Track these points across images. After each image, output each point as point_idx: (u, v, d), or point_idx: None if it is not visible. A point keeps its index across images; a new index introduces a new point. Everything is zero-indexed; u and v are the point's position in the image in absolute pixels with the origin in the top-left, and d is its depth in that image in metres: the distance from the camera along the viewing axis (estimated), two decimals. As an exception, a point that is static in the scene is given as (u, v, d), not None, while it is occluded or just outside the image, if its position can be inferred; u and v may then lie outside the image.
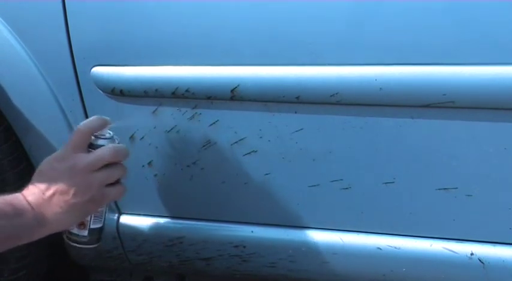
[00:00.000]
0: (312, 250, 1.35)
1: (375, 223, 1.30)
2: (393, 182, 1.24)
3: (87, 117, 1.36)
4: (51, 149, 1.41)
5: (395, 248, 1.30)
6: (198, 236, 1.42)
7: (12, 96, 1.37)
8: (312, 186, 1.29)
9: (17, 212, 1.10)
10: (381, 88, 1.16)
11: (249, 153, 1.30)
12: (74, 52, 1.31)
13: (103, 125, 1.19)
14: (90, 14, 1.28)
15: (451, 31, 1.11)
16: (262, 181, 1.32)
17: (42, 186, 1.13)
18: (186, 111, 1.30)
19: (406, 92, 1.16)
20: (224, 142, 1.30)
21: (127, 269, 1.61)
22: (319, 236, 1.34)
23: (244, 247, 1.40)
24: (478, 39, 1.10)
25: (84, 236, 1.22)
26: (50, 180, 1.12)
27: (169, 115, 1.31)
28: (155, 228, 1.44)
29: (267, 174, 1.31)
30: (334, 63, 1.18)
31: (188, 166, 1.35)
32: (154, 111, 1.32)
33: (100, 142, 1.18)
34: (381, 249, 1.31)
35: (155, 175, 1.38)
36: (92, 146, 1.18)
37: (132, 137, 1.35)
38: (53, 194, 1.12)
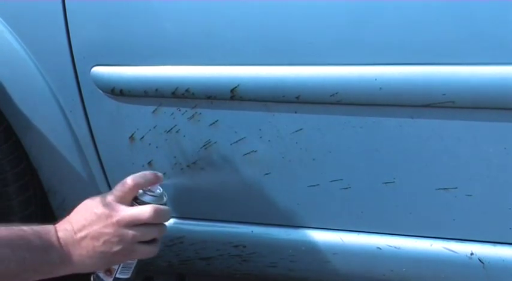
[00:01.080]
0: (312, 250, 1.35)
1: (375, 222, 1.30)
2: (393, 182, 1.24)
3: (87, 117, 1.36)
4: (51, 149, 1.41)
5: (395, 248, 1.30)
6: (198, 236, 1.42)
7: (12, 96, 1.37)
8: (312, 186, 1.29)
9: (44, 247, 1.10)
10: (380, 88, 1.16)
11: (249, 153, 1.30)
12: (73, 52, 1.31)
13: (154, 181, 1.18)
14: (90, 13, 1.28)
15: (451, 31, 1.11)
16: (262, 181, 1.32)
17: (76, 225, 1.13)
18: (186, 111, 1.29)
19: (406, 92, 1.15)
20: (224, 141, 1.30)
21: (127, 269, 1.61)
22: (319, 236, 1.34)
23: (244, 246, 1.40)
24: (478, 38, 1.10)
25: None
26: (85, 222, 1.13)
27: (169, 115, 1.31)
28: (155, 228, 1.44)
29: (267, 174, 1.31)
30: (334, 63, 1.18)
31: (188, 166, 1.35)
32: (154, 111, 1.32)
33: (146, 198, 1.17)
34: (380, 249, 1.30)
35: (155, 175, 1.38)
36: (136, 200, 1.17)
37: (132, 137, 1.35)
38: (84, 237, 1.12)
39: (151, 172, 1.20)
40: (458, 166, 1.19)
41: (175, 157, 1.35)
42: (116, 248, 1.13)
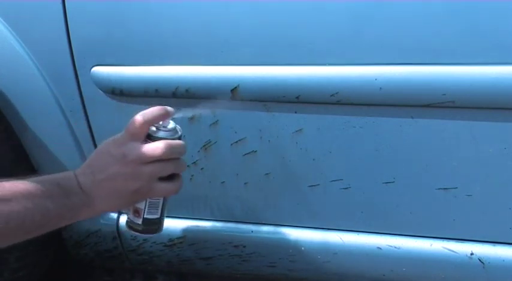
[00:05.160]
0: (312, 250, 1.35)
1: (375, 223, 1.30)
2: (393, 182, 1.24)
3: (87, 117, 1.36)
4: (51, 149, 1.41)
5: (396, 248, 1.30)
6: (198, 236, 1.42)
7: (12, 96, 1.37)
8: (312, 186, 1.29)
9: (64, 193, 1.10)
10: (381, 88, 1.16)
11: (249, 153, 1.30)
12: (73, 52, 1.31)
13: (164, 116, 1.14)
14: (90, 13, 1.28)
15: (451, 31, 1.11)
16: (262, 181, 1.32)
17: (94, 168, 1.13)
18: (186, 111, 1.29)
19: (406, 92, 1.16)
20: (224, 141, 1.30)
21: (127, 269, 1.61)
22: (319, 236, 1.34)
23: (244, 246, 1.40)
24: (478, 39, 1.10)
25: (138, 225, 1.18)
26: (102, 163, 1.13)
27: (169, 115, 1.31)
28: (155, 228, 1.44)
29: (267, 174, 1.31)
30: (334, 63, 1.18)
31: (188, 166, 1.34)
32: (154, 112, 1.32)
33: (159, 133, 1.14)
34: (381, 249, 1.31)
35: (155, 175, 1.38)
36: (150, 137, 1.13)
37: (132, 137, 1.35)
38: (103, 179, 1.12)
39: (161, 106, 1.15)
40: (458, 166, 1.19)
41: (175, 157, 1.35)
42: (134, 186, 1.12)
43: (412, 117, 1.18)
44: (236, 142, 1.29)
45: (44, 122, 1.39)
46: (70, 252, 1.55)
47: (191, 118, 1.30)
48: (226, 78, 1.24)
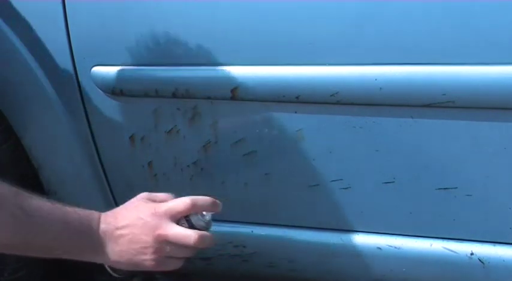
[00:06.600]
0: (312, 250, 1.35)
1: (375, 223, 1.30)
2: (393, 182, 1.24)
3: (87, 117, 1.36)
4: (51, 149, 1.41)
5: (396, 248, 1.30)
6: (198, 236, 1.42)
7: (12, 96, 1.37)
8: (312, 186, 1.29)
9: (79, 231, 1.10)
10: (381, 88, 1.16)
11: (249, 153, 1.30)
12: (73, 52, 1.31)
13: (213, 208, 1.14)
14: (90, 14, 1.28)
15: (451, 31, 1.11)
16: (262, 181, 1.32)
17: (120, 222, 1.12)
18: (186, 111, 1.30)
19: (406, 92, 1.16)
20: (224, 141, 1.30)
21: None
22: (319, 236, 1.34)
23: (244, 247, 1.40)
24: (478, 39, 1.10)
25: None
26: (129, 222, 1.11)
27: (169, 115, 1.31)
28: (155, 228, 1.44)
29: (267, 174, 1.31)
30: (334, 63, 1.18)
31: (188, 166, 1.35)
32: (154, 111, 1.32)
33: (196, 222, 1.12)
34: (381, 249, 1.30)
35: (155, 175, 1.38)
36: (187, 219, 1.12)
37: (132, 137, 1.35)
38: (123, 236, 1.11)
39: (213, 199, 1.15)
40: (458, 166, 1.19)
41: (175, 157, 1.35)
42: (149, 257, 1.11)
43: (412, 117, 1.18)
44: (236, 142, 1.29)
45: (44, 122, 1.39)
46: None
47: (190, 118, 1.30)
48: (226, 78, 1.24)
